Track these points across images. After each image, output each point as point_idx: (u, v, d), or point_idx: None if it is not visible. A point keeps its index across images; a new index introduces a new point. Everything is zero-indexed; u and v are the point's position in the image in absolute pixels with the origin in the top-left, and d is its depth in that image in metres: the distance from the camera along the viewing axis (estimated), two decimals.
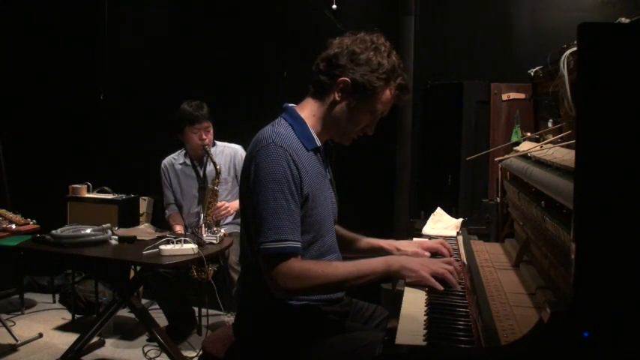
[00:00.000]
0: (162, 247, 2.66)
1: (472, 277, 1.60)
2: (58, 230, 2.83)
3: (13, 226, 3.19)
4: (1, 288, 4.23)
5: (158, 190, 3.68)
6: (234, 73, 4.10)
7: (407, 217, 3.50)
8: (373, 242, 1.99)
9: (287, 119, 1.70)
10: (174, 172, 3.59)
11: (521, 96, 3.20)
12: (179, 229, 3.39)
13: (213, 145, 3.52)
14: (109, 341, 3.47)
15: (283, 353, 1.65)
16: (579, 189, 1.04)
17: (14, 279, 4.19)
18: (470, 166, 3.20)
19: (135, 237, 2.92)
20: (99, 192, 4.04)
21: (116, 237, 2.90)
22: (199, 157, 3.54)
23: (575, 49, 1.75)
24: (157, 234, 3.06)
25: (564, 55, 1.83)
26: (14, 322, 3.73)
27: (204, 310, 3.48)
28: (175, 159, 3.60)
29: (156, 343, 3.08)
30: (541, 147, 1.87)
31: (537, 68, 2.78)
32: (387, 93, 1.68)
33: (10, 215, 3.25)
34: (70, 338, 3.25)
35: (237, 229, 3.39)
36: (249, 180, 1.59)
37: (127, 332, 3.61)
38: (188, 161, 3.56)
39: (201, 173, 3.55)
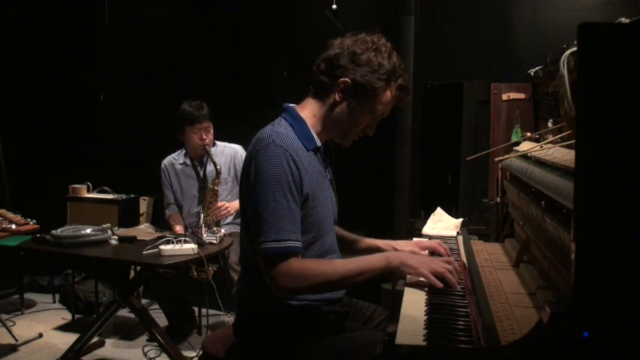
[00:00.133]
0: (162, 247, 2.66)
1: (472, 277, 1.60)
2: (58, 230, 2.83)
3: (13, 226, 3.19)
4: (1, 288, 4.23)
5: (158, 190, 3.68)
6: (234, 73, 4.10)
7: (407, 217, 3.50)
8: (371, 242, 1.99)
9: (287, 119, 1.70)
10: (174, 172, 3.59)
11: (521, 96, 3.20)
12: (179, 229, 3.39)
13: (214, 145, 3.52)
14: (109, 341, 3.47)
15: (283, 353, 1.65)
16: (579, 189, 1.04)
17: (14, 279, 4.18)
18: (470, 166, 3.20)
19: (135, 237, 2.92)
20: (99, 192, 4.04)
21: (116, 237, 2.90)
22: (199, 157, 3.54)
23: (575, 49, 1.74)
24: (157, 234, 3.07)
25: (564, 55, 1.83)
26: (14, 322, 3.73)
27: (204, 310, 3.48)
28: (175, 159, 3.60)
29: (156, 343, 3.08)
30: (541, 147, 1.87)
31: (537, 68, 2.78)
32: (388, 94, 1.68)
33: (10, 215, 3.25)
34: (70, 338, 3.25)
35: (237, 229, 3.39)
36: (250, 180, 1.59)
37: (127, 332, 3.61)
38: (188, 161, 3.56)
39: (202, 173, 3.55)
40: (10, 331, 3.43)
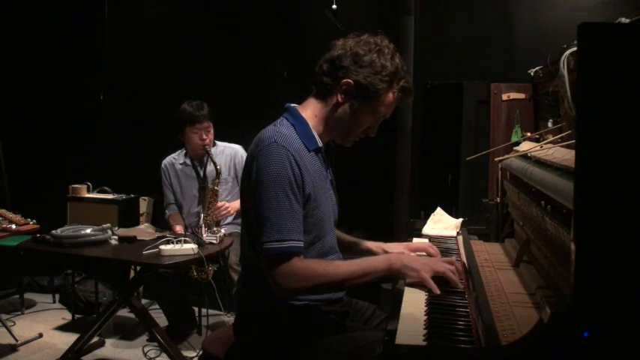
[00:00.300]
0: (162, 247, 2.66)
1: (472, 277, 1.60)
2: (58, 230, 2.83)
3: (13, 226, 3.19)
4: (1, 288, 4.23)
5: (158, 190, 3.68)
6: (234, 73, 4.10)
7: (407, 217, 3.50)
8: (363, 245, 1.99)
9: (289, 119, 1.70)
10: (174, 172, 3.59)
11: (521, 96, 3.20)
12: (179, 229, 3.39)
13: (214, 145, 3.52)
14: (109, 341, 3.47)
15: (283, 353, 1.65)
16: (579, 189, 1.04)
17: (14, 279, 4.18)
18: (470, 166, 3.20)
19: (135, 237, 2.92)
20: (99, 192, 4.04)
21: (116, 237, 2.90)
22: (200, 157, 3.54)
23: (575, 49, 1.74)
24: (157, 234, 3.07)
25: (564, 55, 1.83)
26: (14, 322, 3.73)
27: (204, 310, 3.48)
28: (175, 159, 3.60)
29: (156, 343, 3.08)
30: (541, 147, 1.87)
31: (537, 68, 2.78)
32: (390, 95, 1.69)
33: (10, 215, 3.25)
34: (70, 338, 3.25)
35: (237, 229, 3.39)
36: (251, 180, 1.59)
37: (127, 332, 3.61)
38: (188, 161, 3.56)
39: (202, 173, 3.55)
40: (10, 331, 3.43)
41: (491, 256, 1.93)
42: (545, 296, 1.41)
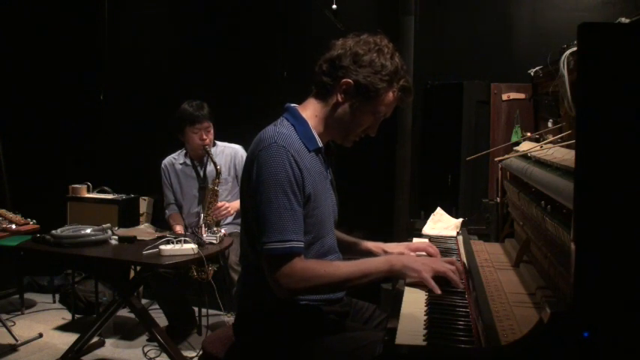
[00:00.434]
0: (162, 247, 2.66)
1: (472, 277, 1.60)
2: (58, 230, 2.83)
3: (13, 226, 3.19)
4: (1, 288, 4.23)
5: (158, 190, 3.68)
6: (234, 73, 4.10)
7: (407, 217, 3.50)
8: (363, 245, 1.99)
9: (289, 119, 1.70)
10: (174, 172, 3.59)
11: (521, 96, 3.20)
12: (179, 229, 3.39)
13: (214, 145, 3.52)
14: (109, 341, 3.47)
15: (283, 353, 1.65)
16: (579, 189, 1.04)
17: (14, 279, 4.19)
18: (470, 166, 3.20)
19: (135, 237, 2.92)
20: (99, 192, 4.04)
21: (116, 237, 2.90)
22: (200, 157, 3.54)
23: (575, 49, 1.74)
24: (157, 234, 3.07)
25: (564, 55, 1.83)
26: (14, 322, 3.73)
27: (204, 310, 3.48)
28: (175, 159, 3.60)
29: (156, 343, 3.08)
30: (541, 147, 1.86)
31: (537, 68, 2.78)
32: (390, 95, 1.69)
33: (10, 215, 3.25)
34: (70, 338, 3.25)
35: (237, 229, 3.39)
36: (252, 180, 1.59)
37: (127, 332, 3.61)
38: (188, 161, 3.56)
39: (202, 173, 3.55)
40: (10, 331, 3.43)
41: (491, 256, 1.93)
42: (545, 296, 1.41)
